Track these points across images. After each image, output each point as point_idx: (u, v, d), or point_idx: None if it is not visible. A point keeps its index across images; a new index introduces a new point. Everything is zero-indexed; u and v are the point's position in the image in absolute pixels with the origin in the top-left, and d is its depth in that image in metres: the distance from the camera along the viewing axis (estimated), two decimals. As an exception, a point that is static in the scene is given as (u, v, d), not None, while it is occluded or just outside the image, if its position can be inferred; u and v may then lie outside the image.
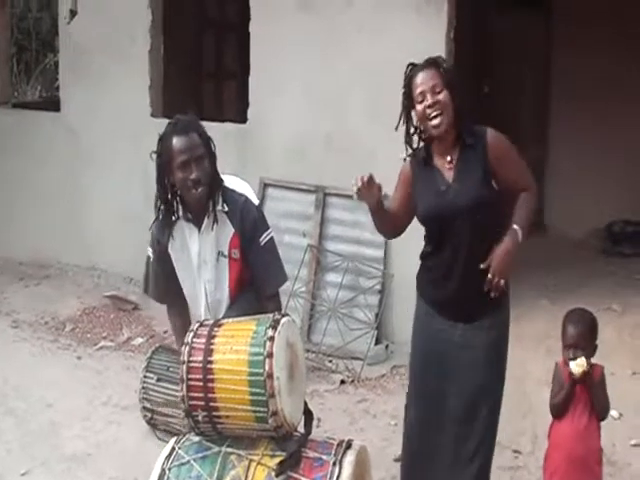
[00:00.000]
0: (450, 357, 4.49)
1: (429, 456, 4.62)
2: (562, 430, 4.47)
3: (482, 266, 4.20)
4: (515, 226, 4.30)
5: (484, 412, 4.52)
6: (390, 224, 4.60)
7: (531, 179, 4.49)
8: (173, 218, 4.56)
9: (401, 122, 4.44)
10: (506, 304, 4.58)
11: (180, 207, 4.54)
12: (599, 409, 4.46)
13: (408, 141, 4.47)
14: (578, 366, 4.32)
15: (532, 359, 7.29)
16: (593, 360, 4.45)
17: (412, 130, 4.45)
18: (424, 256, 4.61)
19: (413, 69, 4.38)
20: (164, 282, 4.76)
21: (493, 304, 4.39)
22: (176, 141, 4.37)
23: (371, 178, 4.23)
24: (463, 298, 4.42)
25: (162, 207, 4.54)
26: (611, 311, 8.16)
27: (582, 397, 4.42)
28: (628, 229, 10.58)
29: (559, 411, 4.46)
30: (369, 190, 4.23)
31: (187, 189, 4.39)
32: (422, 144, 4.49)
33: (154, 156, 4.50)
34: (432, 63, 4.37)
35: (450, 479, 4.58)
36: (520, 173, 4.45)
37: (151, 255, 4.74)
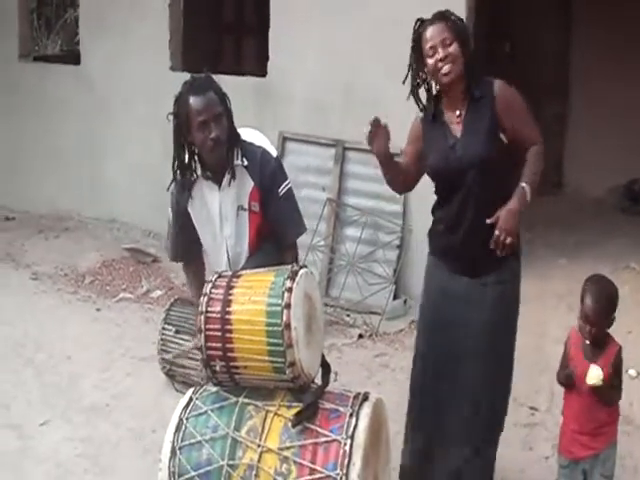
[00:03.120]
0: (457, 311, 4.48)
1: (435, 409, 4.61)
2: (571, 401, 4.41)
3: (489, 221, 4.16)
4: (523, 184, 4.25)
5: (492, 368, 4.51)
6: (399, 178, 4.59)
7: (538, 133, 4.42)
8: (192, 178, 4.54)
9: (408, 77, 4.42)
10: (514, 262, 4.52)
11: (199, 166, 4.51)
12: (607, 402, 4.36)
13: (415, 96, 4.43)
14: (592, 379, 4.18)
15: (551, 317, 7.29)
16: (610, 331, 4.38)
17: (420, 85, 4.42)
18: (434, 209, 4.61)
19: (422, 24, 4.34)
20: (185, 242, 4.76)
21: (499, 261, 4.35)
22: (193, 101, 4.32)
23: (377, 120, 4.24)
24: (468, 250, 4.40)
25: (180, 168, 4.52)
26: (629, 269, 8.14)
27: None
28: None
29: (564, 384, 4.41)
30: (377, 133, 4.25)
31: (207, 148, 4.36)
32: (432, 100, 4.46)
33: (171, 117, 4.46)
34: (440, 17, 4.32)
35: (458, 432, 4.56)
36: (527, 126, 4.39)
37: (171, 216, 4.74)
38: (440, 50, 4.21)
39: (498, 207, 4.22)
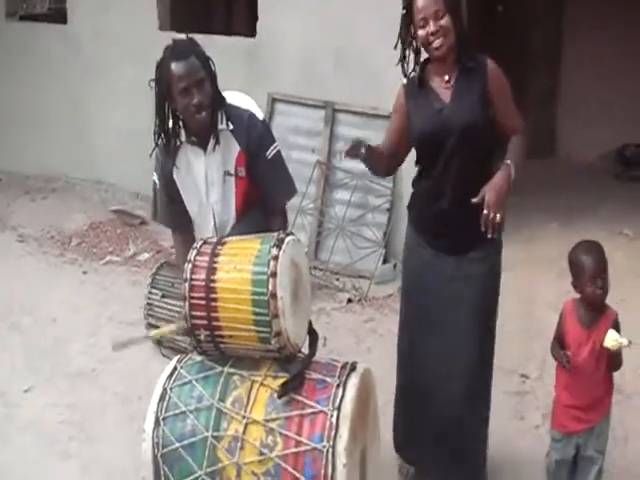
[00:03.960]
0: (440, 289, 4.45)
1: (423, 388, 4.61)
2: (564, 375, 4.34)
3: (474, 200, 4.02)
4: (508, 161, 4.16)
5: (476, 344, 4.48)
6: (381, 164, 4.50)
7: (522, 122, 4.36)
8: (177, 143, 4.48)
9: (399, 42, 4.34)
10: (498, 237, 4.46)
11: (183, 131, 4.45)
12: (614, 368, 4.34)
13: (402, 63, 4.35)
14: (611, 342, 4.12)
15: (543, 282, 7.28)
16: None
17: (408, 51, 4.34)
18: (415, 182, 4.56)
19: None
20: (171, 207, 4.69)
21: (482, 235, 4.26)
22: (175, 66, 4.25)
23: (356, 145, 4.16)
24: (451, 223, 4.35)
25: (163, 134, 4.45)
26: (623, 236, 8.16)
27: (586, 346, 4.25)
28: None
29: (559, 363, 4.35)
30: (356, 151, 4.16)
31: (190, 114, 4.30)
32: (420, 66, 4.38)
33: (153, 84, 4.39)
34: None
35: (448, 407, 4.56)
36: (513, 111, 4.33)
37: (157, 181, 4.68)
38: (431, 23, 4.12)
39: (480, 183, 4.12)
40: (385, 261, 7.91)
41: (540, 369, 6.01)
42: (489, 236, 4.02)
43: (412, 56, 4.36)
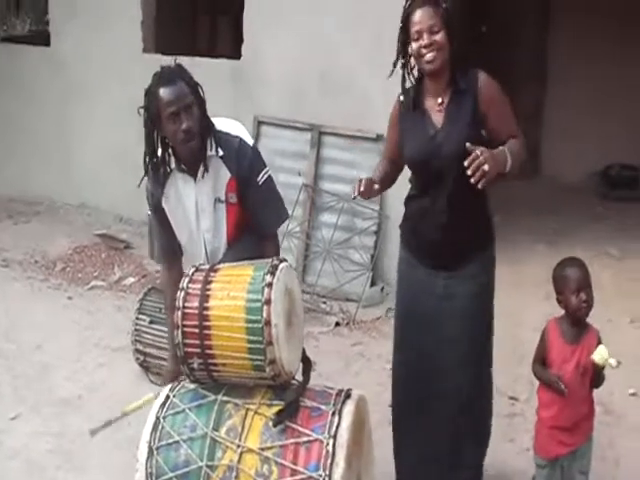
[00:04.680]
0: (434, 308, 4.45)
1: (417, 406, 4.62)
2: (549, 393, 4.35)
3: (468, 145, 3.91)
4: (504, 148, 4.08)
5: (472, 364, 4.51)
6: (390, 179, 4.57)
7: (519, 130, 4.34)
8: (166, 171, 4.46)
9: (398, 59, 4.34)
10: (490, 252, 4.51)
11: (172, 159, 4.44)
12: (597, 384, 4.35)
13: (403, 78, 4.36)
14: (601, 358, 4.13)
15: (529, 304, 7.30)
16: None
17: (405, 66, 4.34)
18: (407, 201, 4.56)
19: (412, 4, 4.23)
20: (166, 244, 4.69)
21: (475, 252, 4.34)
22: (163, 92, 4.25)
23: (369, 182, 4.18)
24: (444, 244, 4.36)
25: (152, 162, 4.44)
26: (609, 256, 8.20)
27: (571, 361, 4.27)
28: (625, 173, 10.67)
29: (544, 383, 4.38)
30: (368, 192, 4.17)
31: (179, 140, 4.29)
32: (413, 85, 4.38)
33: (142, 111, 4.37)
34: (432, 1, 4.21)
35: (440, 431, 4.58)
36: (508, 122, 4.31)
37: (149, 212, 4.67)
38: (426, 36, 4.13)
39: (471, 201, 4.20)
40: (373, 284, 7.92)
41: (529, 391, 6.00)
42: (472, 180, 3.86)
43: (408, 72, 4.36)
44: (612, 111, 10.49)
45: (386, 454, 4.82)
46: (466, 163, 3.85)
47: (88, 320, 7.45)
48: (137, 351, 6.32)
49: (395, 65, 4.32)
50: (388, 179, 4.57)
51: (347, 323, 7.47)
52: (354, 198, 4.21)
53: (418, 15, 4.16)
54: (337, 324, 7.45)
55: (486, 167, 3.83)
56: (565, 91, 10.67)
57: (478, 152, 3.85)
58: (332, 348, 6.97)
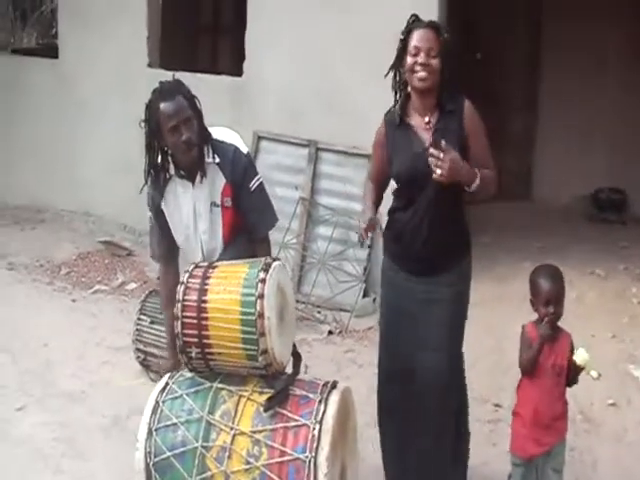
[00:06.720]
0: (414, 312, 4.59)
1: (399, 410, 4.76)
2: (529, 390, 4.52)
3: (443, 143, 4.11)
4: (476, 169, 4.28)
5: (448, 365, 4.64)
6: (378, 208, 4.74)
7: (494, 163, 4.47)
8: (166, 176, 4.67)
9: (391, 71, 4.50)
10: (466, 263, 4.67)
11: (172, 166, 4.64)
12: (572, 382, 4.53)
13: (396, 89, 4.50)
14: (582, 360, 4.34)
15: (514, 319, 7.26)
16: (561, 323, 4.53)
17: (397, 78, 4.48)
18: (391, 211, 4.68)
19: (415, 22, 4.39)
20: (166, 245, 4.88)
21: (453, 260, 4.52)
22: (163, 106, 4.45)
23: (371, 224, 4.39)
24: (424, 255, 4.51)
25: (152, 171, 4.65)
26: (595, 275, 8.22)
27: (549, 359, 4.44)
28: (614, 196, 10.59)
29: (528, 367, 4.47)
30: (372, 229, 4.40)
31: (180, 151, 4.50)
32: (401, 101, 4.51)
33: (143, 124, 4.58)
34: (434, 27, 4.37)
35: (420, 434, 4.71)
36: (486, 152, 4.45)
37: (150, 216, 4.87)
38: (423, 55, 4.28)
39: (452, 219, 4.47)
40: (365, 295, 8.07)
41: (512, 398, 6.01)
42: (433, 169, 4.12)
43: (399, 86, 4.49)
44: (602, 137, 10.54)
45: (377, 450, 5.04)
46: (430, 152, 4.12)
47: (91, 321, 7.62)
48: (138, 350, 6.50)
49: (387, 75, 4.48)
50: (379, 201, 4.76)
51: (340, 332, 7.61)
52: (361, 244, 4.46)
53: (420, 33, 4.32)
54: (330, 332, 7.60)
55: (439, 171, 4.10)
56: (556, 117, 10.70)
57: (443, 155, 4.08)
58: (325, 354, 7.11)
